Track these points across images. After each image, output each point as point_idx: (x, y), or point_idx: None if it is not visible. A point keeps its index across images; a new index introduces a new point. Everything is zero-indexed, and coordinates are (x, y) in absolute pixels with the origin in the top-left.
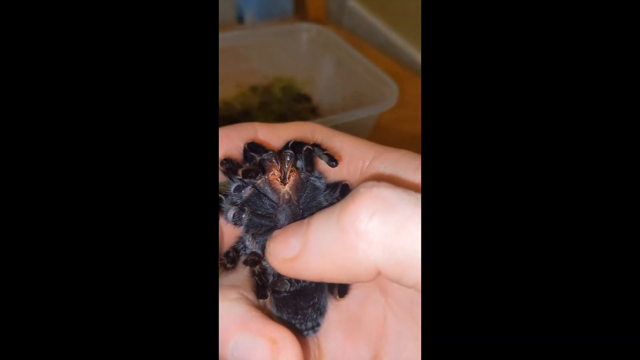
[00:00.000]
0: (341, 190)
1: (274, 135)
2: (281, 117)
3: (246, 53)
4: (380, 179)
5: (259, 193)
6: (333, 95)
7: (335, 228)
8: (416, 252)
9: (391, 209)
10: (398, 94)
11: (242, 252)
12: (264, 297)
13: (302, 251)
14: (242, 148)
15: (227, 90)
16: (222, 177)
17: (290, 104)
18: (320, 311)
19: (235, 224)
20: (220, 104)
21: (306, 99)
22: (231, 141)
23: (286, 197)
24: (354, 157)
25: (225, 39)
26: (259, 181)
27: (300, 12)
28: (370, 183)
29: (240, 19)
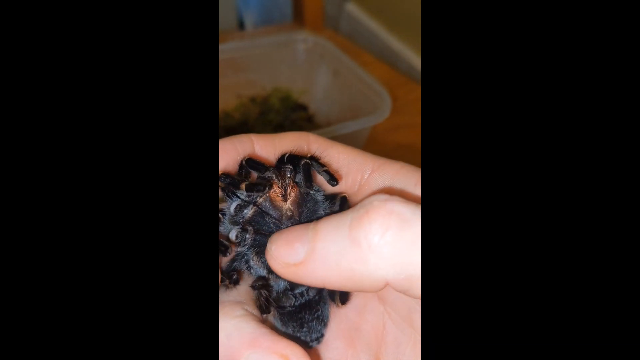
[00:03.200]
0: (340, 203)
1: (271, 146)
2: (279, 127)
3: (245, 63)
4: (389, 192)
5: (260, 211)
6: (329, 104)
7: (347, 239)
8: None
9: (405, 224)
10: (391, 105)
11: (245, 271)
12: (268, 312)
13: (307, 258)
14: (239, 163)
15: (228, 100)
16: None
17: (288, 114)
18: (324, 322)
19: (238, 244)
20: (221, 115)
21: (303, 108)
22: (228, 155)
23: (288, 213)
24: (352, 169)
25: (225, 50)
26: (261, 199)
27: (299, 16)
28: (383, 196)
29: (240, 24)
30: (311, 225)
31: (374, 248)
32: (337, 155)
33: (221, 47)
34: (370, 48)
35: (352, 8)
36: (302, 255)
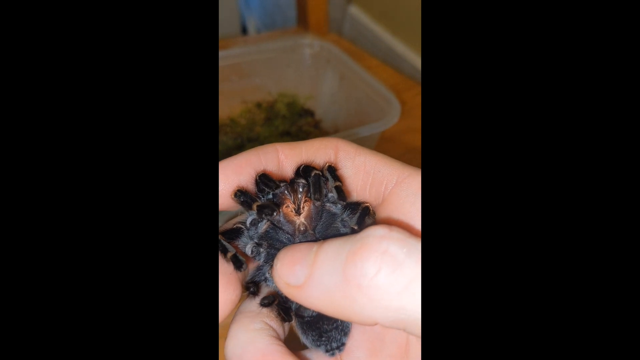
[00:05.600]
0: (360, 214)
1: (297, 155)
2: (285, 133)
3: (250, 69)
4: (392, 223)
5: (274, 226)
6: (336, 110)
7: (340, 274)
8: (419, 312)
9: (397, 268)
10: (400, 110)
11: (263, 283)
12: (289, 320)
13: (305, 284)
14: (254, 179)
15: (233, 106)
16: (238, 206)
17: (294, 119)
18: (344, 331)
19: (254, 258)
20: (227, 120)
21: (309, 113)
22: (253, 167)
23: (301, 228)
24: (377, 179)
25: (230, 55)
26: (274, 214)
27: (303, 20)
28: (381, 231)
29: (244, 29)
30: (314, 248)
31: (363, 289)
32: (363, 164)
33: (226, 52)
34: (374, 51)
35: (356, 11)
36: (301, 280)
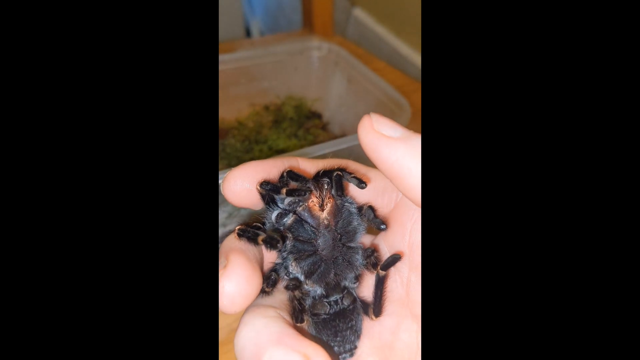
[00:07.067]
0: (372, 211)
1: (314, 167)
2: (293, 135)
3: (258, 72)
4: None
5: (300, 220)
6: (344, 112)
7: None
8: None
9: None
10: (410, 113)
11: (284, 276)
12: (302, 321)
13: (401, 139)
14: (280, 174)
15: (241, 109)
16: (253, 205)
17: (302, 122)
18: (357, 333)
19: (279, 251)
20: (235, 123)
21: (317, 116)
22: (276, 169)
23: (325, 222)
24: (388, 188)
25: (238, 58)
26: (300, 208)
27: (308, 22)
28: None
29: (247, 31)
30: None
31: None
32: (374, 176)
33: (235, 55)
34: (379, 53)
35: (360, 13)
36: (398, 135)
